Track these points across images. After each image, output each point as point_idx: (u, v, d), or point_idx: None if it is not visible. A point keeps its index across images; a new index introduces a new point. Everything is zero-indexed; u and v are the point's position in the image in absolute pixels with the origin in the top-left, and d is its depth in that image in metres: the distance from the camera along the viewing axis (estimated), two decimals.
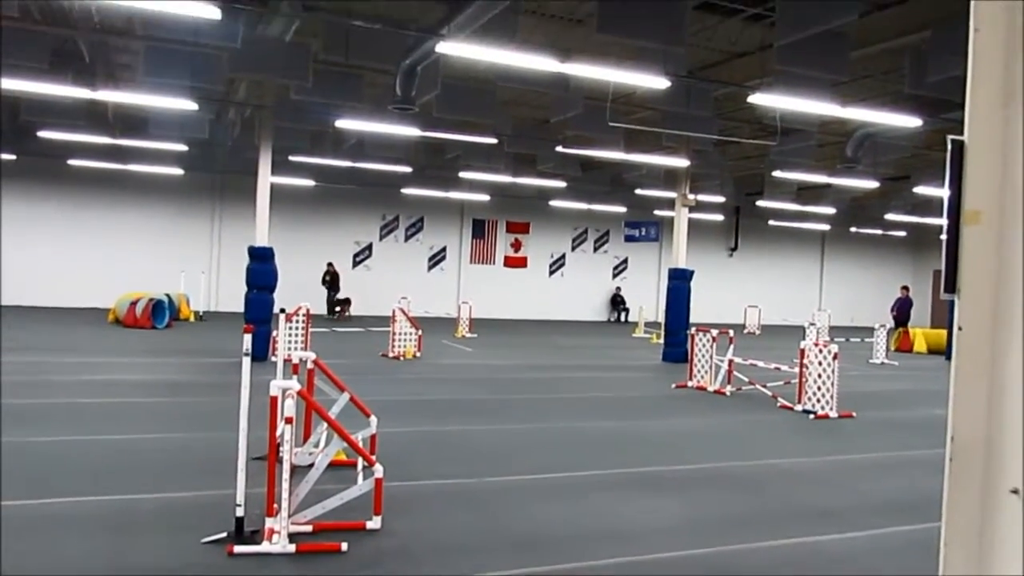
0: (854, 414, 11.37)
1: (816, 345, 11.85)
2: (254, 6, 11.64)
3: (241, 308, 15.37)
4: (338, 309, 25.64)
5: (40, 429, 8.28)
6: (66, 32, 12.67)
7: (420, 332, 16.69)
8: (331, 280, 25.69)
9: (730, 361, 13.36)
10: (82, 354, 14.45)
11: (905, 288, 26.48)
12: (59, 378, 11.64)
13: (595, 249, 32.41)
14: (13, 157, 22.55)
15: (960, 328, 1.67)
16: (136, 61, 13.88)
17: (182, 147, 20.53)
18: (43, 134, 19.16)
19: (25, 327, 18.47)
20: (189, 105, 13.96)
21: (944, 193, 1.66)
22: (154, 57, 12.86)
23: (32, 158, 23.03)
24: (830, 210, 28.26)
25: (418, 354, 16.40)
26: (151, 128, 18.65)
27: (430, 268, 29.73)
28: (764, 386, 12.75)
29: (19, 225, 24.11)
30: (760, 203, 26.08)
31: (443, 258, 29.93)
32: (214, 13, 8.28)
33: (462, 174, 23.38)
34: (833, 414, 11.22)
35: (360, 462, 6.59)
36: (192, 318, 22.73)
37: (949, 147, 1.65)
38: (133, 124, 19.42)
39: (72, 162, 22.85)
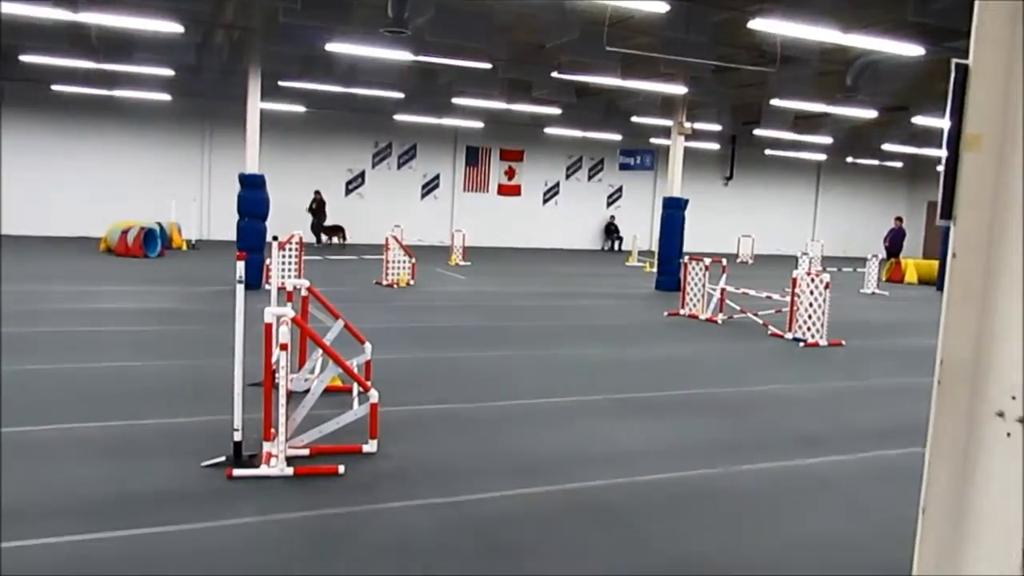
0: (843, 342, 11.49)
1: (808, 274, 11.91)
2: None
3: (234, 237, 15.32)
4: (332, 238, 25.49)
5: (35, 357, 8.32)
6: None
7: (414, 260, 16.69)
8: (317, 207, 25.45)
9: (722, 290, 13.44)
10: (74, 283, 14.43)
11: (899, 219, 26.48)
12: (52, 307, 11.65)
13: (589, 177, 32.19)
14: None
15: (954, 255, 1.67)
16: None
17: (169, 72, 20.10)
18: (25, 58, 18.72)
19: (15, 257, 18.37)
20: (175, 27, 13.61)
21: (944, 122, 1.64)
22: None
23: (14, 83, 22.55)
24: (827, 140, 27.99)
25: (412, 282, 16.44)
26: (137, 52, 18.22)
27: (423, 196, 29.55)
28: (755, 314, 12.85)
29: (5, 154, 23.75)
30: (757, 132, 25.83)
31: (436, 186, 29.73)
32: None
33: (455, 100, 23.01)
34: (823, 342, 11.34)
35: (355, 388, 6.67)
36: (184, 247, 22.65)
37: (953, 72, 1.63)
38: (118, 47, 18.91)
39: (56, 87, 22.37)
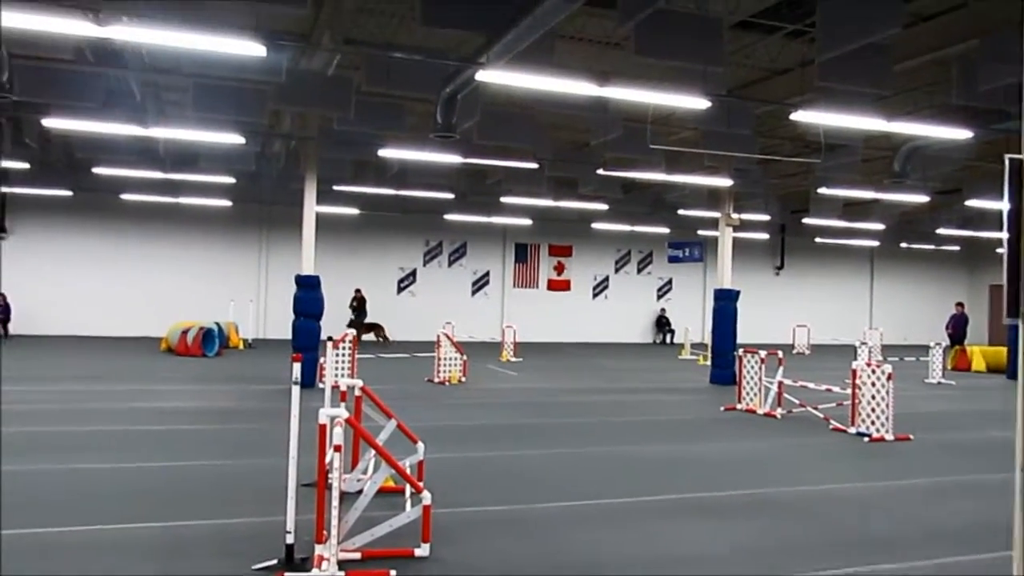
0: (911, 436, 11.06)
1: (868, 365, 11.59)
2: (297, 42, 11.93)
3: (289, 335, 15.59)
4: (377, 337, 25.50)
5: (92, 456, 8.44)
6: (118, 72, 13.08)
7: (465, 357, 16.71)
8: (358, 305, 25.72)
9: (780, 383, 13.13)
10: (135, 382, 14.74)
11: (960, 304, 25.81)
12: (112, 406, 11.89)
13: (639, 271, 32.24)
14: (70, 193, 23.29)
15: None
16: (185, 98, 14.26)
17: (230, 179, 21.02)
18: (97, 170, 19.81)
19: (81, 356, 18.94)
20: (236, 139, 14.29)
21: (1002, 205, 1.62)
22: (202, 93, 13.21)
23: (87, 193, 23.78)
24: (879, 226, 27.73)
25: (463, 379, 16.42)
26: (200, 162, 19.17)
27: (474, 293, 29.85)
28: (816, 408, 12.48)
29: (76, 258, 24.88)
30: (806, 220, 25.72)
31: (487, 283, 30.03)
32: (259, 50, 8.49)
33: (504, 199, 23.51)
34: (889, 436, 10.92)
35: (408, 489, 6.59)
36: (241, 346, 23.09)
37: (1007, 167, 1.61)
38: (183, 158, 19.94)
39: (125, 196, 23.54)
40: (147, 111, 14.39)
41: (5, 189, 23.57)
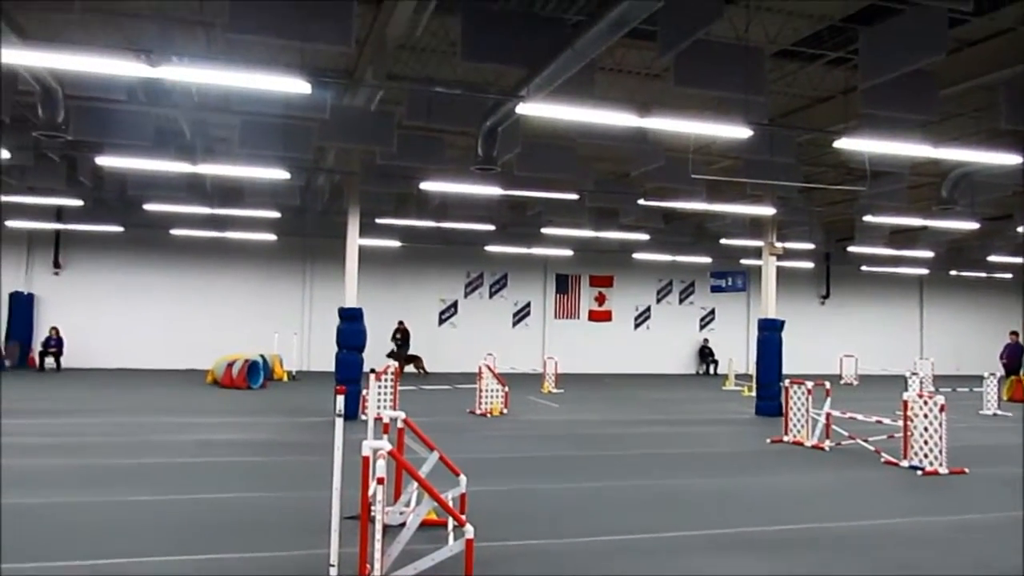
0: (966, 470, 10.71)
1: (920, 396, 11.29)
2: (341, 79, 12.18)
3: (332, 367, 15.72)
4: (417, 369, 25.52)
5: (136, 488, 8.56)
6: (168, 111, 13.47)
7: (507, 388, 16.67)
8: (402, 337, 25.83)
9: (828, 414, 12.85)
10: (181, 415, 14.96)
11: (1015, 334, 25.07)
12: (158, 438, 12.07)
13: (680, 301, 31.97)
14: (121, 229, 23.92)
15: None
16: (232, 135, 14.62)
17: (275, 214, 21.42)
18: (148, 207, 20.34)
19: (130, 389, 19.30)
20: (282, 174, 14.58)
21: None
22: (249, 130, 13.55)
23: (137, 229, 24.40)
24: (927, 253, 27.17)
25: (505, 411, 16.37)
26: (246, 197, 19.57)
27: (515, 324, 29.85)
28: (866, 440, 12.18)
29: (126, 293, 25.45)
30: (851, 249, 25.32)
31: (527, 314, 30.03)
32: (304, 88, 8.67)
33: (544, 230, 23.56)
34: (943, 470, 10.60)
35: (451, 522, 6.56)
36: (285, 378, 23.34)
37: None
38: (230, 194, 20.40)
39: (174, 232, 24.10)
40: (196, 148, 14.77)
41: (60, 226, 24.31)
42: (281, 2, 8.43)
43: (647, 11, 7.11)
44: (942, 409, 10.77)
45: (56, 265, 25.16)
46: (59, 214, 24.04)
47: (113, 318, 25.15)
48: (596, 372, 29.10)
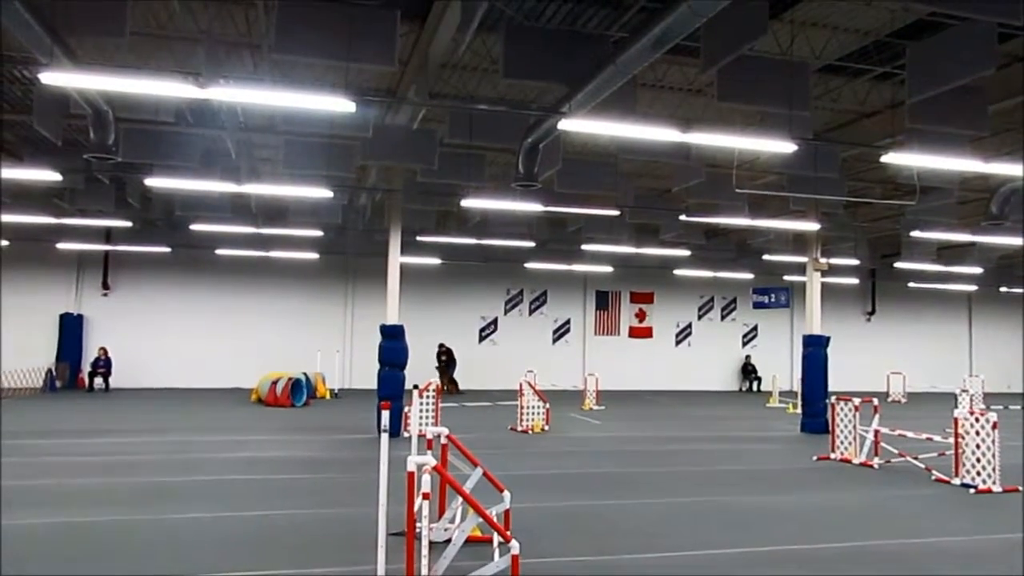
0: (1020, 488, 10.41)
1: (972, 413, 11.01)
2: (385, 98, 12.34)
3: (374, 385, 15.80)
4: (451, 389, 25.51)
5: (185, 506, 8.67)
6: (214, 132, 13.75)
7: (548, 405, 16.61)
8: (446, 359, 25.86)
9: (876, 431, 12.59)
10: (226, 433, 15.15)
11: None
12: (205, 456, 12.23)
13: (722, 317, 31.63)
14: (168, 250, 24.37)
15: None
16: (277, 155, 14.87)
17: (318, 233, 21.69)
18: (195, 227, 20.73)
19: (176, 408, 19.62)
20: (325, 193, 14.77)
21: None
22: (293, 150, 13.78)
23: (184, 249, 24.82)
24: (976, 270, 26.56)
25: (546, 427, 16.30)
26: (290, 216, 19.86)
27: (555, 341, 29.76)
28: (916, 458, 11.90)
29: (173, 313, 25.87)
30: (898, 265, 24.85)
31: (567, 330, 29.93)
32: (349, 107, 8.79)
33: (585, 246, 23.52)
34: (996, 488, 10.31)
35: (496, 538, 6.54)
36: (328, 396, 23.52)
37: None
38: (274, 213, 20.72)
39: (219, 251, 24.49)
40: (241, 169, 15.05)
41: (109, 247, 24.85)
42: (325, 23, 8.59)
43: (690, 27, 7.09)
44: (995, 426, 10.50)
45: (105, 286, 25.66)
46: (108, 236, 24.58)
47: (160, 338, 25.57)
48: (637, 389, 28.85)
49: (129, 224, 21.14)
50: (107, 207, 18.62)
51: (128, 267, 25.68)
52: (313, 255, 25.15)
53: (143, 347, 25.32)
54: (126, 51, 11.17)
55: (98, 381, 23.75)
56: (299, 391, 20.73)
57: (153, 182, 14.66)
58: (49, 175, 13.78)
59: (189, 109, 13.14)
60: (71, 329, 24.92)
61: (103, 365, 23.89)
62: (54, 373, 23.94)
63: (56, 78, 8.22)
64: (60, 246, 23.28)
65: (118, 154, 11.40)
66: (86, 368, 24.33)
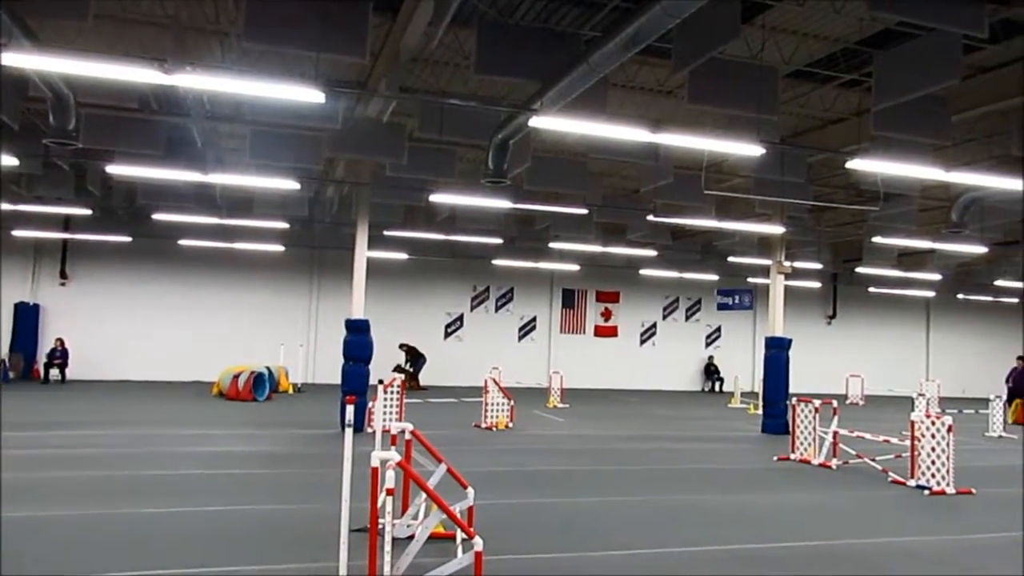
0: (973, 491, 10.64)
1: (928, 417, 11.23)
2: (354, 89, 12.22)
3: (337, 380, 15.67)
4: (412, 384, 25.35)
5: (143, 500, 8.51)
6: (180, 120, 13.52)
7: (512, 402, 16.62)
8: (412, 358, 25.71)
9: (835, 433, 12.78)
10: (187, 426, 14.91)
11: (1021, 358, 24.95)
12: (163, 449, 12.03)
13: (687, 318, 31.92)
14: (129, 239, 23.90)
15: None
16: (243, 145, 14.66)
17: (283, 225, 21.44)
18: (157, 216, 20.37)
19: (135, 401, 19.29)
20: (292, 185, 14.60)
21: None
22: (260, 140, 13.59)
23: (145, 239, 24.34)
24: (935, 276, 27.12)
25: (511, 424, 16.31)
26: (255, 208, 19.60)
27: (521, 338, 29.79)
28: (873, 460, 12.11)
29: (132, 304, 25.36)
30: (859, 270, 25.27)
31: (533, 328, 29.98)
32: (318, 97, 8.68)
33: (552, 244, 23.57)
34: (950, 490, 10.53)
35: (459, 534, 6.51)
36: (291, 390, 23.28)
37: None
38: (239, 204, 20.42)
39: (182, 242, 24.08)
40: (206, 158, 14.81)
41: (67, 236, 24.32)
42: (296, 12, 8.48)
43: (663, 28, 7.12)
44: (950, 430, 10.71)
45: (63, 275, 25.08)
46: (67, 223, 24.06)
47: (119, 329, 25.07)
48: (601, 387, 29.00)
49: (89, 212, 20.69)
50: (66, 194, 18.23)
51: (87, 256, 25.12)
52: (278, 247, 24.86)
53: (102, 338, 24.80)
54: (89, 34, 10.92)
55: (54, 372, 23.12)
56: (261, 385, 20.49)
57: (115, 169, 14.35)
58: (6, 160, 13.43)
59: (154, 95, 12.90)
60: (27, 319, 24.32)
61: (60, 356, 23.31)
62: (7, 364, 23.37)
63: (15, 59, 8.00)
64: (16, 233, 22.73)
65: (79, 140, 11.16)
66: (42, 359, 23.73)
